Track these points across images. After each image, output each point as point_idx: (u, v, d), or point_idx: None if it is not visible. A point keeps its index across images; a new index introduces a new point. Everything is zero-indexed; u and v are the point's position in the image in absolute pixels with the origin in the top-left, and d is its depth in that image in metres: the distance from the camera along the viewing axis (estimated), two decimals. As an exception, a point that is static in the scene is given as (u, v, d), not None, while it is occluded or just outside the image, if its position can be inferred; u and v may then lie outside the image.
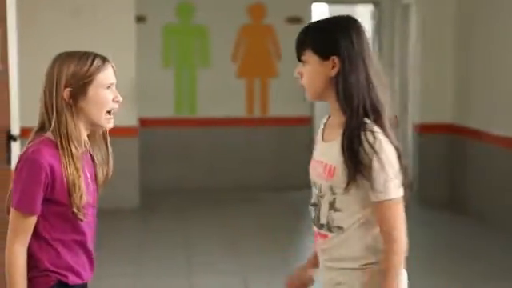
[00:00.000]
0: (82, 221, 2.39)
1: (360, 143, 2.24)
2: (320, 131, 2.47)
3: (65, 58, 2.38)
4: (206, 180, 9.61)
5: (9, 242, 2.35)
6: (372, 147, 2.24)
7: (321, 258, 2.46)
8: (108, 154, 2.49)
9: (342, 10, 11.62)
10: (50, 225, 2.37)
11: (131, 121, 8.15)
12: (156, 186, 9.33)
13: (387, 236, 2.31)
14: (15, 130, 4.71)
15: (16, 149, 4.73)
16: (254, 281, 5.60)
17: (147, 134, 9.27)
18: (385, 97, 2.32)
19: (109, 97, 2.41)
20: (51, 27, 7.93)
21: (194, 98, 9.69)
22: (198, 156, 9.64)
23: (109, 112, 2.42)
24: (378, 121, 2.29)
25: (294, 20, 9.48)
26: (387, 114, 2.31)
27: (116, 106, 2.43)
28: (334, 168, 2.30)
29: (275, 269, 5.91)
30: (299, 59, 2.38)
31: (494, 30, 7.45)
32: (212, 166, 9.66)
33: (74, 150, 2.35)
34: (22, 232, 2.33)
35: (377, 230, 2.34)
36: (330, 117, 2.45)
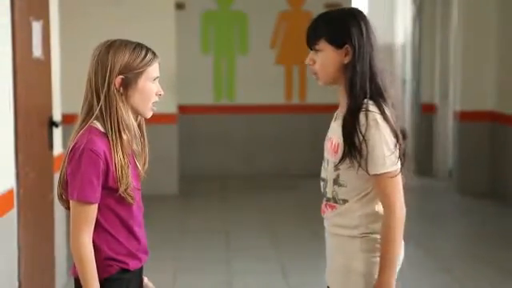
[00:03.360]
0: (132, 204, 2.43)
1: (356, 122, 2.42)
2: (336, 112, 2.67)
3: (119, 46, 2.41)
4: (245, 166, 9.65)
5: (76, 234, 2.35)
6: (367, 125, 2.41)
7: (326, 225, 2.65)
8: (144, 144, 2.51)
9: (381, -4, 11.52)
10: (106, 212, 2.40)
11: (170, 108, 8.20)
12: (195, 172, 9.39)
13: (385, 208, 2.46)
14: (57, 117, 4.78)
15: (58, 135, 4.81)
16: (292, 268, 5.62)
17: (186, 120, 9.33)
18: (387, 82, 2.51)
19: (154, 90, 2.46)
20: (92, 16, 8.00)
21: (232, 85, 9.71)
22: (236, 143, 9.68)
23: (153, 103, 2.47)
24: (378, 103, 2.46)
25: (333, 6, 9.42)
26: (389, 97, 2.49)
27: (157, 99, 2.48)
28: (338, 145, 2.49)
29: (313, 256, 5.92)
30: (310, 48, 2.56)
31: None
32: (250, 152, 9.69)
33: (123, 135, 2.39)
34: (87, 222, 2.35)
35: (377, 202, 2.50)
36: None
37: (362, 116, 2.42)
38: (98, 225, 2.39)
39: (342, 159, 2.45)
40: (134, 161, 2.47)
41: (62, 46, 5.26)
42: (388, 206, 2.44)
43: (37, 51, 4.23)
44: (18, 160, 3.85)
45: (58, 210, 4.69)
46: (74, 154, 2.35)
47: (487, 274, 5.50)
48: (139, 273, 2.54)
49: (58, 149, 4.77)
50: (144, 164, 2.51)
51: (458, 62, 8.50)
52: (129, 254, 2.45)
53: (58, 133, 4.79)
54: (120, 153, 2.37)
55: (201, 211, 7.68)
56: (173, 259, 5.82)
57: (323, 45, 2.51)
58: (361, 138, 2.40)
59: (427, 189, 8.72)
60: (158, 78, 2.47)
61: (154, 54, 2.46)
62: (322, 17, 2.57)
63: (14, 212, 3.78)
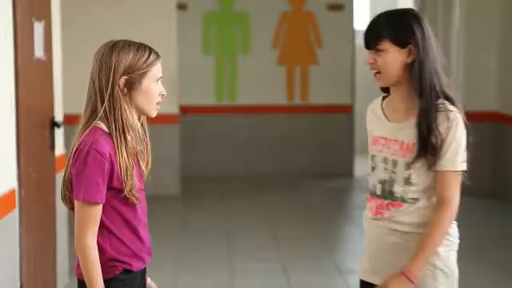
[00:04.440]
0: (136, 205, 2.43)
1: (434, 121, 2.47)
2: (378, 112, 2.66)
3: (123, 46, 2.41)
4: (247, 167, 9.64)
5: (80, 235, 2.34)
6: (449, 124, 2.47)
7: (384, 225, 2.59)
8: (147, 144, 2.51)
9: (383, -3, 11.50)
10: (111, 212, 2.40)
11: (172, 108, 8.20)
12: (197, 173, 9.39)
13: (444, 201, 2.51)
14: (59, 117, 4.78)
15: (59, 135, 4.81)
16: (294, 268, 5.61)
17: (188, 121, 9.33)
18: (448, 81, 2.58)
19: (157, 90, 2.46)
20: (93, 16, 8.00)
21: (234, 86, 9.70)
22: (238, 143, 9.67)
23: (156, 103, 2.47)
24: (452, 102, 2.53)
25: (335, 7, 9.41)
26: (454, 96, 2.56)
27: (160, 99, 2.48)
28: (413, 145, 2.51)
29: (314, 256, 5.92)
30: (372, 48, 2.56)
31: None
32: (252, 153, 9.69)
33: (128, 136, 2.38)
34: (91, 223, 2.35)
35: None
36: (383, 98, 2.66)
37: (442, 115, 2.48)
38: (102, 225, 2.38)
39: (417, 158, 2.49)
40: (137, 161, 2.46)
41: (63, 46, 5.26)
42: (447, 204, 2.50)
43: (38, 52, 4.23)
44: (20, 161, 3.85)
45: (60, 210, 4.69)
46: (79, 155, 2.35)
47: (488, 274, 5.49)
48: (142, 273, 2.53)
49: (59, 149, 4.77)
50: (147, 164, 2.50)
51: (460, 63, 8.49)
52: (132, 255, 2.44)
53: (59, 133, 4.79)
54: (125, 154, 2.37)
55: (202, 212, 7.68)
56: (174, 260, 5.82)
57: (387, 45, 2.53)
58: (440, 136, 2.47)
59: (429, 189, 8.70)
60: (161, 78, 2.47)
61: (156, 54, 2.46)
62: (383, 18, 2.58)
63: (15, 212, 3.78)
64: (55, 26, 4.73)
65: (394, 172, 2.56)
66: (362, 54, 11.55)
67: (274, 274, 5.47)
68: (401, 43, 2.51)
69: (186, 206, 7.93)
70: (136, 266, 2.46)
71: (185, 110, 9.25)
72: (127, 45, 2.42)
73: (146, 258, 2.50)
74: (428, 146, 2.47)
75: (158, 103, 2.47)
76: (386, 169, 2.58)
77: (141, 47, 2.43)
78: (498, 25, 8.20)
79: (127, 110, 2.39)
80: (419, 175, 2.52)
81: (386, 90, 2.67)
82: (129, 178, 2.37)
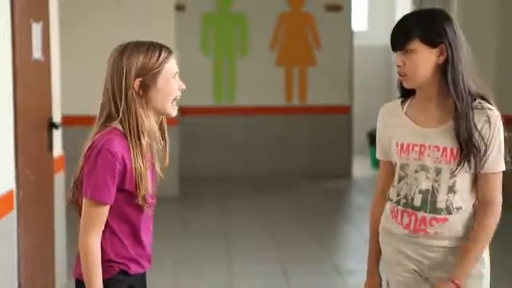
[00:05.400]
0: (145, 210, 2.41)
1: (473, 122, 2.38)
2: (402, 119, 2.50)
3: (133, 49, 2.39)
4: (245, 168, 9.65)
5: (85, 234, 2.32)
6: (490, 123, 2.39)
7: (429, 242, 2.48)
8: (166, 144, 2.50)
9: (381, -2, 11.51)
10: (117, 214, 2.38)
11: (170, 109, 8.19)
12: (195, 174, 9.39)
13: (489, 202, 2.44)
14: (57, 118, 4.78)
15: (57, 136, 4.81)
16: (293, 268, 5.61)
17: (187, 122, 9.33)
18: (480, 80, 2.48)
19: (175, 85, 2.43)
20: (92, 17, 8.00)
21: (232, 87, 9.71)
22: (236, 144, 9.68)
23: (174, 100, 2.45)
24: (488, 101, 2.44)
25: (333, 8, 9.42)
26: (489, 94, 2.47)
27: (180, 93, 2.46)
28: (457, 150, 2.40)
29: (313, 257, 5.92)
30: (400, 49, 2.43)
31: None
32: (251, 154, 9.69)
33: (142, 141, 2.37)
34: (97, 222, 2.33)
35: None
36: (402, 101, 2.52)
37: (481, 115, 2.39)
38: (106, 226, 2.37)
39: (462, 163, 2.39)
40: (152, 166, 2.44)
41: (61, 47, 5.26)
42: (493, 204, 2.44)
43: (36, 53, 4.23)
44: (18, 161, 3.85)
45: (58, 211, 4.69)
46: (91, 153, 2.33)
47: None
48: (142, 278, 2.51)
49: (57, 150, 4.76)
50: (164, 160, 2.48)
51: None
52: (131, 259, 2.43)
53: (57, 134, 4.78)
54: (140, 157, 2.35)
55: (201, 213, 7.68)
56: (173, 261, 5.82)
57: (417, 45, 2.40)
58: (482, 138, 2.38)
59: (427, 190, 8.70)
60: (177, 72, 2.45)
61: (168, 50, 2.44)
62: (412, 18, 2.46)
63: (13, 213, 3.78)
64: (53, 27, 4.73)
65: (436, 181, 2.43)
66: (360, 54, 11.62)
67: (273, 275, 5.47)
68: (431, 42, 2.39)
69: (184, 207, 7.92)
70: (134, 269, 2.44)
71: (183, 110, 9.25)
72: (136, 46, 2.40)
73: (145, 264, 2.47)
74: (471, 150, 2.37)
75: (175, 100, 2.43)
76: (427, 177, 2.44)
77: (151, 47, 2.41)
78: (496, 25, 8.21)
79: (143, 115, 2.37)
80: (463, 181, 2.43)
81: (404, 93, 2.53)
82: (143, 181, 2.35)
